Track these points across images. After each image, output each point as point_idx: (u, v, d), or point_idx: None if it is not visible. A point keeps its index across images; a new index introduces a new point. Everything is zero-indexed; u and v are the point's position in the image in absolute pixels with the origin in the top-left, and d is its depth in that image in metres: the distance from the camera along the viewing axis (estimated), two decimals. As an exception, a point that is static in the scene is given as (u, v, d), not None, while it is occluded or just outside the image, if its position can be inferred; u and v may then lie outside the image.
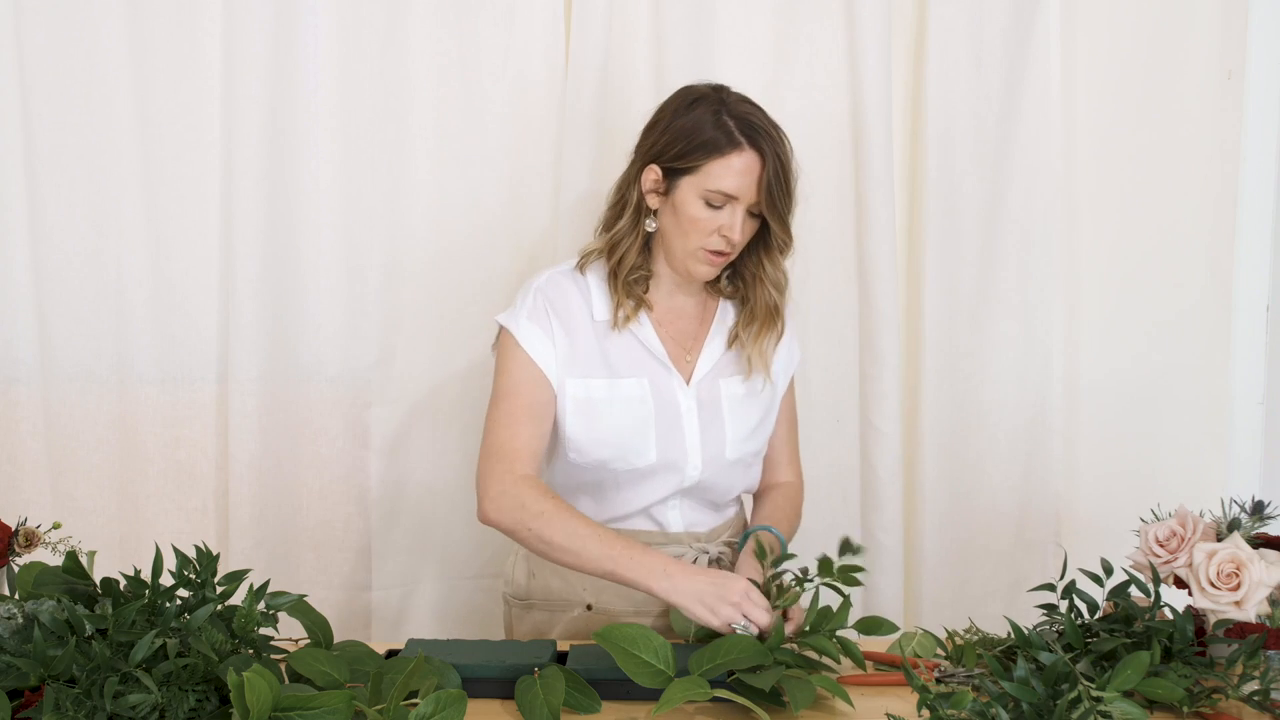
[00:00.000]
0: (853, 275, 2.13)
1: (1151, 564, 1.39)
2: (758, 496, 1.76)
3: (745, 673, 1.26)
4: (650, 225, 1.60)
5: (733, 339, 1.66)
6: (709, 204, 1.53)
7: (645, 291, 1.62)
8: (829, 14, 2.09)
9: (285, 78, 2.00)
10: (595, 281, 1.62)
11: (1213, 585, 1.33)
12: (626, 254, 1.60)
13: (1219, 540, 1.38)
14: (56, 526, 1.39)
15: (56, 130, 1.97)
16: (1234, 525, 1.41)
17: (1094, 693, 1.13)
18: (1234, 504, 1.44)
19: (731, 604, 1.37)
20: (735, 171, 1.51)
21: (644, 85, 2.07)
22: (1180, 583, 1.40)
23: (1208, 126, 2.18)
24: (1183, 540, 1.39)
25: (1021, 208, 2.18)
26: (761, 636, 1.37)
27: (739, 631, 1.36)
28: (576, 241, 2.05)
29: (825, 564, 1.40)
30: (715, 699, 1.25)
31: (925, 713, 1.14)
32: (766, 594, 1.41)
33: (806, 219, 2.12)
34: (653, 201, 1.59)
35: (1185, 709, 1.25)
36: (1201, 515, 1.43)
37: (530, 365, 1.56)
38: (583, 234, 2.05)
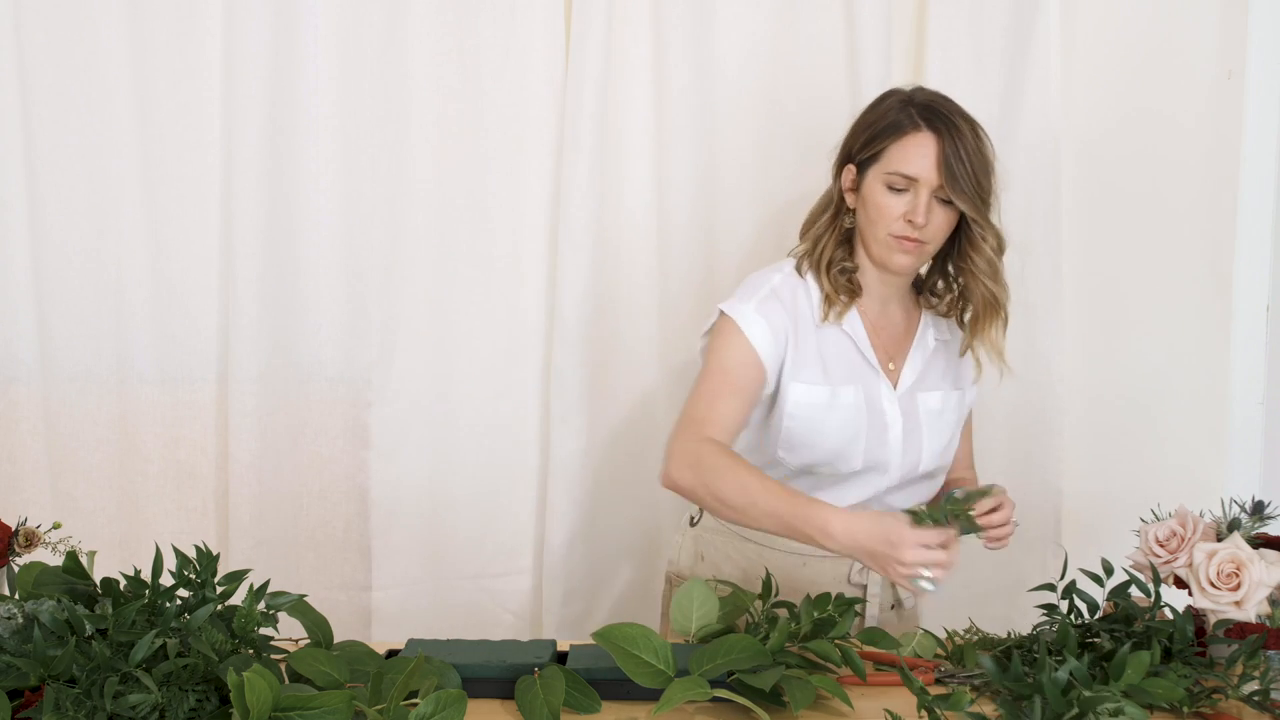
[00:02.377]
0: (853, 275, 2.13)
1: (1151, 564, 1.39)
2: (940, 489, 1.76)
3: (745, 673, 1.26)
4: (848, 221, 1.61)
5: (964, 347, 1.65)
6: (892, 188, 1.54)
7: (858, 289, 1.62)
8: (829, 14, 2.09)
9: (285, 78, 1.99)
10: (812, 282, 1.62)
11: (1213, 585, 1.33)
12: (825, 245, 1.62)
13: (1219, 540, 1.38)
14: (56, 526, 1.39)
15: (56, 130, 1.97)
16: (1234, 525, 1.41)
17: (1099, 693, 1.13)
18: (1234, 504, 1.44)
19: (904, 562, 1.33)
20: (912, 153, 1.52)
21: (644, 85, 2.07)
22: (1180, 583, 1.40)
23: (1208, 126, 2.17)
24: (1183, 540, 1.39)
25: (1021, 208, 2.17)
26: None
27: (923, 586, 1.32)
28: (577, 241, 2.05)
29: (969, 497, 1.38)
30: (715, 699, 1.25)
31: (924, 713, 1.14)
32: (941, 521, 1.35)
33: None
34: (850, 200, 1.61)
35: (1185, 709, 1.25)
36: (1201, 515, 1.43)
37: (747, 349, 1.55)
38: (583, 233, 2.05)
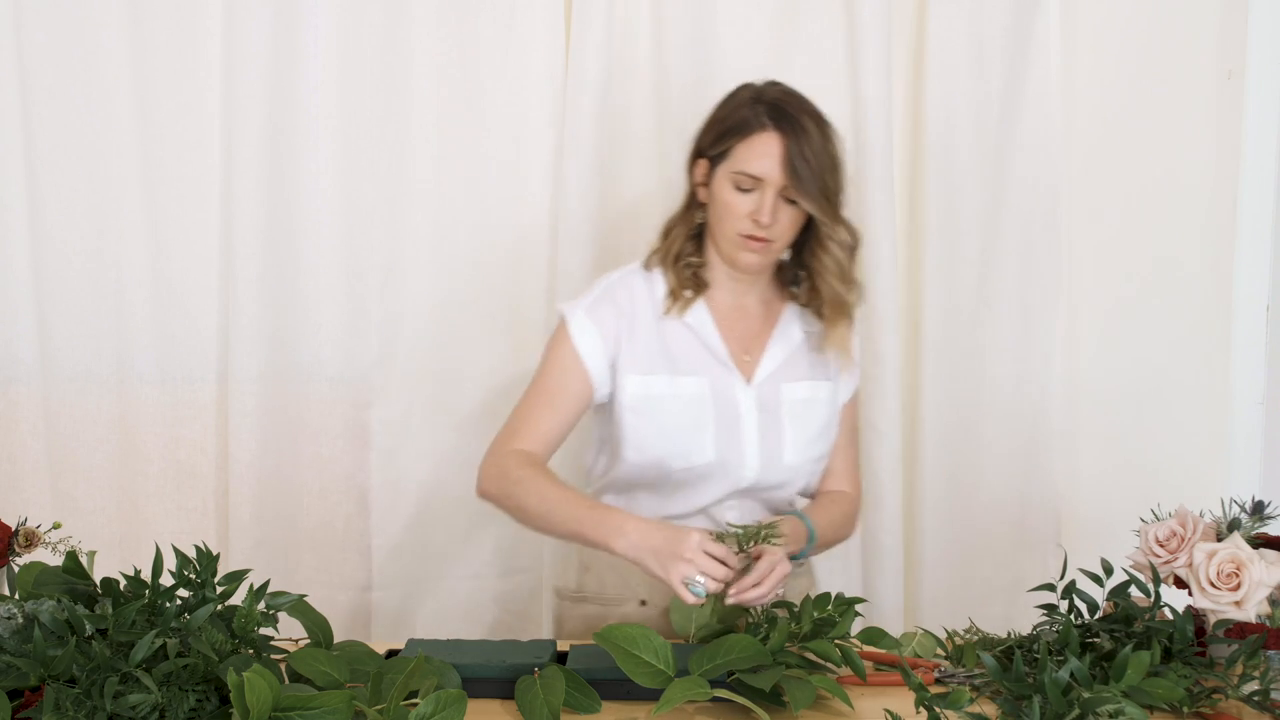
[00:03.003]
0: (853, 275, 2.13)
1: (1151, 564, 1.39)
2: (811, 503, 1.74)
3: (745, 673, 1.26)
4: (700, 216, 1.61)
5: (816, 341, 1.65)
6: (739, 188, 1.54)
7: (704, 284, 1.62)
8: (829, 14, 2.09)
9: (285, 78, 2.00)
10: (658, 277, 1.63)
11: (1213, 585, 1.33)
12: (676, 239, 1.62)
13: (1219, 540, 1.38)
14: (56, 526, 1.39)
15: (56, 130, 1.97)
16: (1234, 525, 1.41)
17: (1099, 693, 1.13)
18: (1234, 504, 1.44)
19: (684, 559, 1.35)
20: (757, 153, 1.52)
21: (644, 85, 2.08)
22: (1180, 583, 1.40)
23: (1208, 126, 2.18)
24: (1183, 540, 1.39)
25: (1021, 208, 2.18)
26: (724, 595, 1.36)
27: (692, 589, 1.33)
28: (577, 240, 2.05)
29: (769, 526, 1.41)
30: (715, 699, 1.25)
31: (922, 712, 1.14)
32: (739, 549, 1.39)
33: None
34: (701, 195, 1.61)
35: (1185, 709, 1.25)
36: (1201, 515, 1.43)
37: (572, 357, 1.57)
38: (583, 232, 2.05)
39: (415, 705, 1.11)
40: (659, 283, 1.63)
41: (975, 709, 1.18)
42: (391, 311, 2.08)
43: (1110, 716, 1.11)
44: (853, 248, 1.61)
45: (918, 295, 2.18)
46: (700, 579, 1.35)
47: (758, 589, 1.39)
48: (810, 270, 1.63)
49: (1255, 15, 2.17)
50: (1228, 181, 2.19)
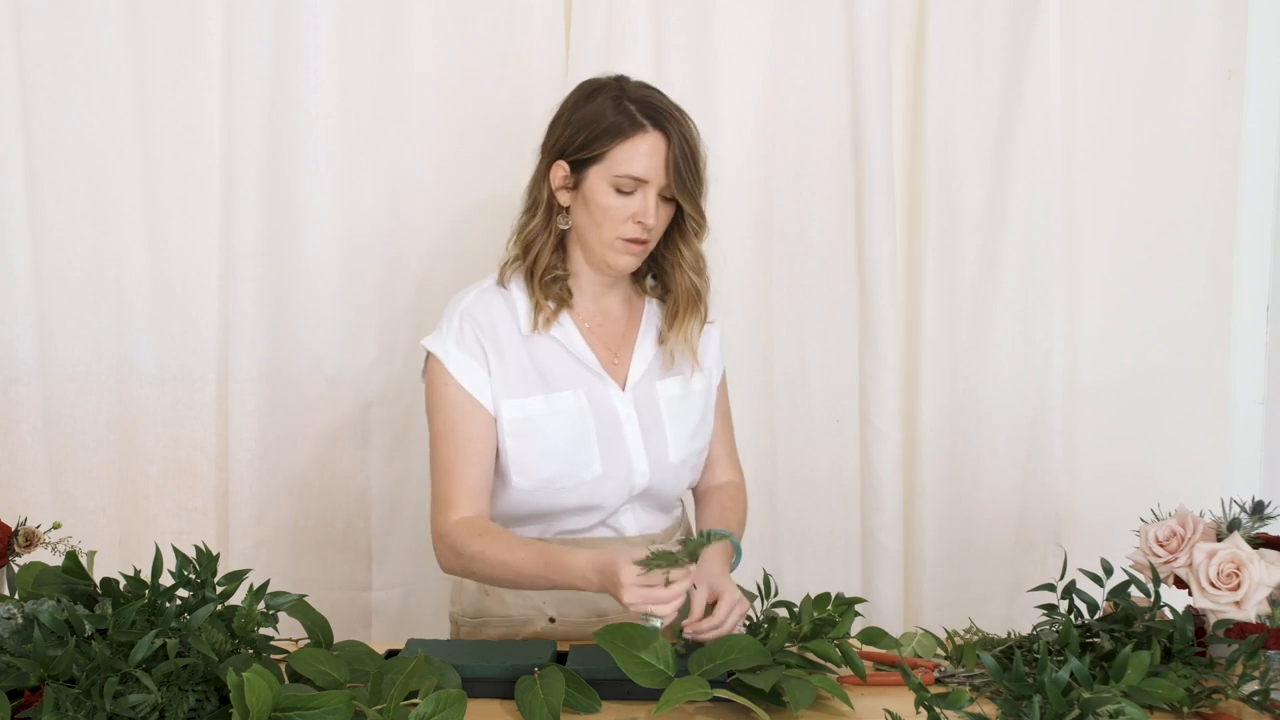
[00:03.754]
0: (853, 275, 2.13)
1: (1151, 564, 1.39)
2: (701, 498, 1.72)
3: (745, 673, 1.26)
4: (564, 223, 1.56)
5: (661, 336, 1.62)
6: (619, 190, 1.50)
7: (568, 296, 1.58)
8: (829, 14, 2.09)
9: (285, 78, 2.00)
10: (518, 292, 1.58)
11: (1213, 585, 1.33)
12: (541, 252, 1.56)
13: (1219, 540, 1.38)
14: (56, 526, 1.39)
15: (56, 130, 1.97)
16: (1234, 525, 1.41)
17: (1099, 694, 1.13)
18: (1234, 504, 1.44)
19: (630, 604, 1.29)
20: (641, 154, 1.48)
21: (644, 85, 2.07)
22: (1180, 583, 1.40)
23: (1208, 126, 2.18)
24: (1183, 540, 1.39)
25: (1021, 208, 2.18)
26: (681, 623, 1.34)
27: (649, 624, 1.29)
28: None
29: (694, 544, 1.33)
30: (715, 699, 1.25)
31: (922, 712, 1.14)
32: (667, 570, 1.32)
33: (807, 218, 2.14)
34: (563, 198, 1.55)
35: (1185, 709, 1.25)
36: (1201, 515, 1.43)
37: (464, 398, 1.52)
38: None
39: (415, 705, 1.11)
40: (519, 298, 1.57)
41: (975, 709, 1.18)
42: (391, 311, 2.08)
43: (1110, 716, 1.11)
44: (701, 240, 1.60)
45: (918, 295, 2.18)
46: (653, 609, 1.29)
47: (717, 631, 1.36)
48: (667, 264, 1.60)
49: (1255, 15, 2.17)
50: (1228, 181, 2.19)
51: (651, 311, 1.65)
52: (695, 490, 1.73)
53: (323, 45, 2.00)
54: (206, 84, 2.00)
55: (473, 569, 1.49)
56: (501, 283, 1.59)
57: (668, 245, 1.59)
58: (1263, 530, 1.42)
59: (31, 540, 1.37)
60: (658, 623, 1.29)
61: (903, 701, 1.26)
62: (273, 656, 1.27)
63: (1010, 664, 1.26)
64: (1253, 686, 1.26)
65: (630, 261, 1.55)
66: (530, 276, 1.57)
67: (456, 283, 2.08)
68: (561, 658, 1.39)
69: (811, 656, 1.36)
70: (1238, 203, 2.20)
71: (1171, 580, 1.41)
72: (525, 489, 1.55)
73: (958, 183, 2.16)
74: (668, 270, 1.61)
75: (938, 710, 1.15)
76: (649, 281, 1.66)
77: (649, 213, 1.50)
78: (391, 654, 1.38)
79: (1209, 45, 2.16)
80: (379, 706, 1.12)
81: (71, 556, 1.32)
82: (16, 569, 1.33)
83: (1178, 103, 2.18)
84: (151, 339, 2.04)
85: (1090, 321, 2.23)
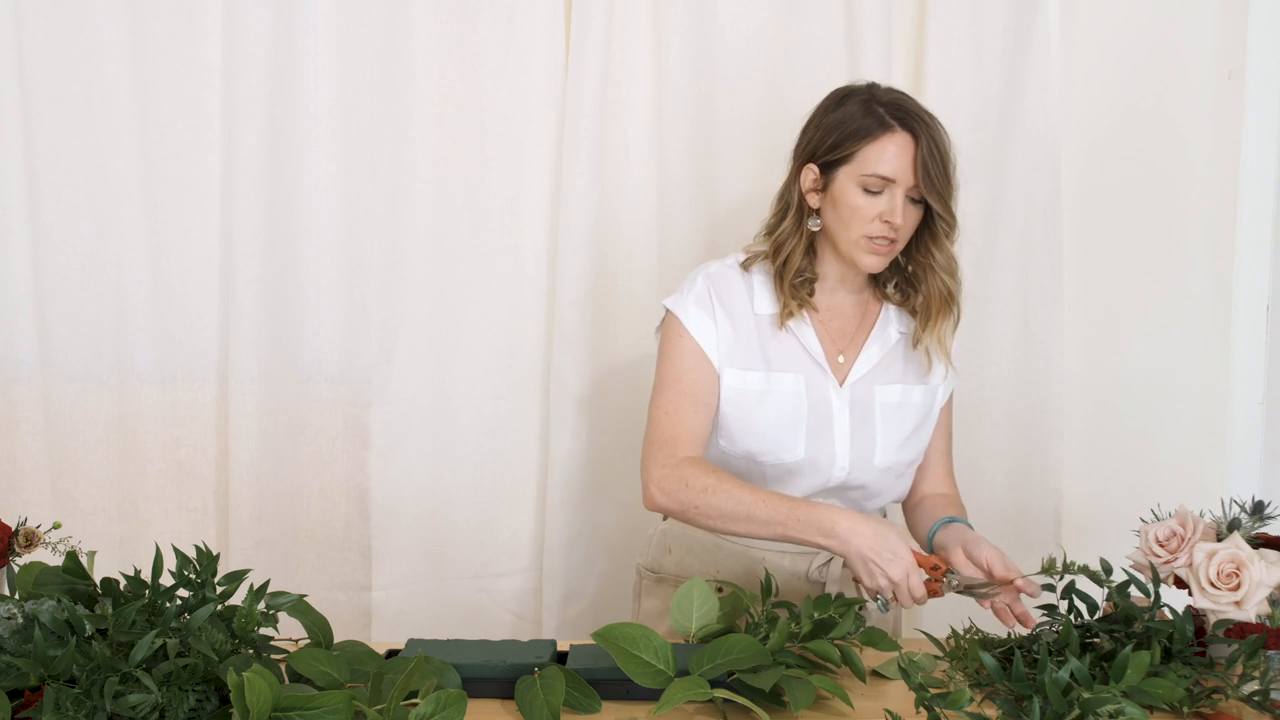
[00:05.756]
0: (853, 275, 2.13)
1: (1151, 564, 1.39)
2: (914, 507, 1.73)
3: (745, 673, 1.26)
4: (814, 225, 1.60)
5: (915, 340, 1.65)
6: (867, 190, 1.54)
7: (811, 294, 1.62)
8: (829, 14, 2.09)
9: (285, 78, 2.00)
10: (760, 279, 1.62)
11: (1213, 585, 1.33)
12: (791, 255, 1.61)
13: (1219, 540, 1.38)
14: (56, 526, 1.39)
15: (56, 130, 1.98)
16: (1234, 525, 1.41)
17: (1099, 694, 1.13)
18: (1234, 504, 1.44)
19: (889, 579, 1.40)
20: (890, 154, 1.52)
21: (644, 85, 2.08)
22: (1180, 583, 1.40)
23: (1208, 126, 2.18)
24: (1183, 540, 1.39)
25: (1021, 207, 2.18)
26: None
27: (876, 606, 1.40)
28: (577, 240, 2.05)
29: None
30: (715, 699, 1.25)
31: (922, 712, 1.14)
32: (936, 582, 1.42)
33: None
34: (813, 200, 1.60)
35: (1185, 709, 1.25)
36: (1201, 515, 1.43)
37: (695, 350, 1.58)
38: (584, 233, 2.05)
39: (415, 705, 1.11)
40: (759, 287, 1.62)
41: (975, 709, 1.18)
42: (391, 311, 2.08)
43: (1110, 716, 1.12)
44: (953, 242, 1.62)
45: (918, 295, 2.18)
46: (887, 599, 1.41)
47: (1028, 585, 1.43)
48: (918, 267, 1.63)
49: (1255, 15, 2.16)
50: (1228, 181, 2.19)
51: (888, 316, 1.67)
52: (905, 504, 1.74)
53: (323, 45, 2.00)
54: (206, 84, 2.00)
55: (699, 502, 1.51)
56: (745, 266, 1.64)
57: (918, 248, 1.62)
58: (1263, 530, 1.42)
59: (31, 540, 1.37)
60: (883, 608, 1.40)
61: (903, 702, 1.26)
62: (273, 656, 1.27)
63: (1010, 664, 1.25)
64: (1253, 686, 1.26)
65: (877, 261, 1.58)
66: (780, 278, 1.61)
67: (456, 282, 2.10)
68: (561, 658, 1.39)
69: (811, 657, 1.36)
70: (1238, 203, 2.20)
71: (1171, 580, 1.41)
72: (727, 453, 1.61)
73: (957, 183, 2.15)
74: (918, 273, 1.63)
75: (938, 710, 1.15)
76: (890, 289, 1.68)
77: (896, 212, 1.53)
78: (391, 654, 1.38)
79: (1209, 45, 2.16)
80: (379, 706, 1.12)
81: (71, 556, 1.32)
82: (16, 569, 1.33)
83: (1178, 103, 2.17)
84: (151, 339, 2.04)
85: (1090, 321, 2.23)
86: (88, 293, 2.01)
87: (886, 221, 1.54)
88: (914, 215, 1.56)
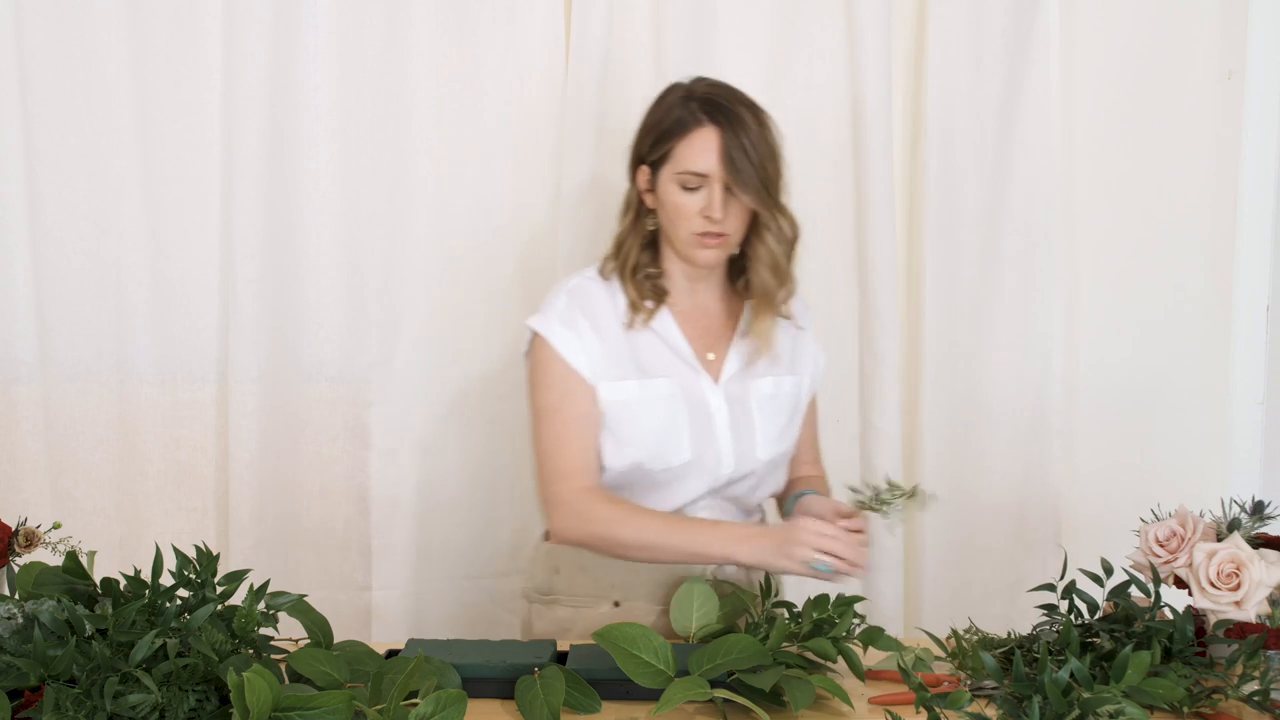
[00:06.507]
0: (853, 275, 2.13)
1: (1151, 564, 1.39)
2: (788, 487, 1.75)
3: (745, 673, 1.26)
4: (651, 224, 1.62)
5: (748, 330, 1.66)
6: (685, 187, 1.55)
7: (665, 294, 1.63)
8: (829, 14, 2.09)
9: (285, 78, 2.00)
10: (618, 286, 1.64)
11: (1213, 585, 1.33)
12: (630, 251, 1.63)
13: (1219, 540, 1.38)
14: (56, 526, 1.39)
15: (56, 130, 1.97)
16: (1234, 525, 1.41)
17: (1099, 694, 1.13)
18: (1234, 504, 1.44)
19: (801, 543, 1.42)
20: (698, 150, 1.53)
21: (644, 85, 2.07)
22: (1180, 583, 1.40)
23: (1208, 126, 2.18)
24: (1183, 540, 1.39)
25: (1021, 208, 2.18)
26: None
27: (819, 568, 1.41)
28: (577, 240, 2.05)
29: (900, 493, 1.46)
30: (715, 699, 1.25)
31: (923, 712, 1.14)
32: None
33: (807, 218, 2.14)
34: (649, 201, 1.61)
35: (1185, 709, 1.25)
36: (1201, 515, 1.43)
37: (568, 374, 1.58)
38: (583, 233, 2.05)
39: (415, 705, 1.11)
40: (619, 293, 1.63)
41: (975, 709, 1.17)
42: (391, 311, 2.08)
43: (1110, 717, 1.11)
44: (791, 240, 1.62)
45: (918, 295, 2.18)
46: (822, 558, 1.41)
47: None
48: (746, 260, 1.64)
49: (1255, 15, 2.17)
50: (1228, 181, 2.19)
51: (747, 312, 1.68)
52: (784, 489, 1.75)
53: (323, 45, 2.00)
54: (206, 84, 2.00)
55: (601, 533, 1.54)
56: (603, 274, 1.65)
57: (748, 240, 1.63)
58: (1263, 530, 1.42)
59: (31, 540, 1.37)
60: (828, 568, 1.40)
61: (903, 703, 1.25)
62: (273, 656, 1.27)
63: (1010, 665, 1.25)
64: (1253, 686, 1.26)
65: (710, 255, 1.59)
66: (622, 274, 1.63)
67: (456, 283, 2.09)
68: (561, 658, 1.39)
69: (811, 656, 1.36)
70: (1238, 203, 2.20)
71: (1171, 580, 1.41)
72: (616, 469, 1.59)
73: (958, 183, 2.16)
74: (747, 266, 1.65)
75: (938, 710, 1.15)
76: (739, 283, 1.69)
77: (714, 207, 1.54)
78: (391, 654, 1.38)
79: (1209, 45, 2.16)
80: (379, 706, 1.12)
81: (71, 556, 1.32)
82: (16, 569, 1.33)
83: (1178, 103, 2.18)
84: (151, 339, 2.04)
85: (1090, 321, 2.23)
86: (88, 293, 2.01)
87: (707, 217, 1.54)
88: (740, 207, 1.57)
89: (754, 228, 1.61)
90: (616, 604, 1.63)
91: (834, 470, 2.16)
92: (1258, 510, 1.43)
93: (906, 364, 2.19)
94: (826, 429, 2.16)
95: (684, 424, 1.59)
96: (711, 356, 1.65)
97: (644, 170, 1.60)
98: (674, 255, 1.63)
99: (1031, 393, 2.20)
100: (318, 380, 2.08)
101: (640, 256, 1.62)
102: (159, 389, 2.05)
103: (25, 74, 1.95)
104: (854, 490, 1.58)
